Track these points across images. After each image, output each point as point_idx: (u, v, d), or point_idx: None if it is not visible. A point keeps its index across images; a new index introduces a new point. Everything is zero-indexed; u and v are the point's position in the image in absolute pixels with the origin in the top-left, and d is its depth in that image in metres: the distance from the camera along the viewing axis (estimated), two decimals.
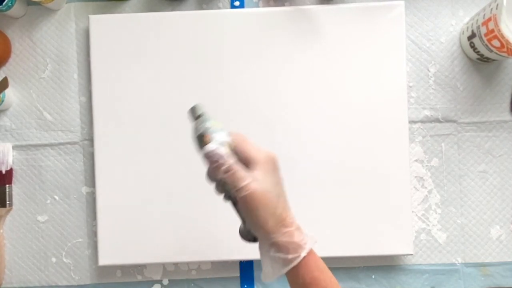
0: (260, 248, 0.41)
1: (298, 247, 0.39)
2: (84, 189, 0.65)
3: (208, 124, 0.41)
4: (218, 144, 0.39)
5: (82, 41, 0.66)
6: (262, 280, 0.41)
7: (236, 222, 0.43)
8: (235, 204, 0.41)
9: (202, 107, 0.43)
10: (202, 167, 0.61)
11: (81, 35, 0.66)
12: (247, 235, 0.43)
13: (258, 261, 0.64)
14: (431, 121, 0.65)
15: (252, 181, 0.38)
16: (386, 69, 0.62)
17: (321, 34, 0.62)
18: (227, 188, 0.40)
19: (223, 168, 0.39)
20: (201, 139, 0.40)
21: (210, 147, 0.39)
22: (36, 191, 0.65)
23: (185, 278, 0.64)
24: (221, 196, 0.42)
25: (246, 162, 0.40)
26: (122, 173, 0.62)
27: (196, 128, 0.41)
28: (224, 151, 0.39)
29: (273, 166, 0.41)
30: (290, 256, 0.39)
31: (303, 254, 0.39)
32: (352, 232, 0.61)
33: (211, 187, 0.42)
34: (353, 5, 0.63)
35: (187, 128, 0.63)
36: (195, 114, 0.42)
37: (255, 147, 0.41)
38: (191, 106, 0.43)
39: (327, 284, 0.40)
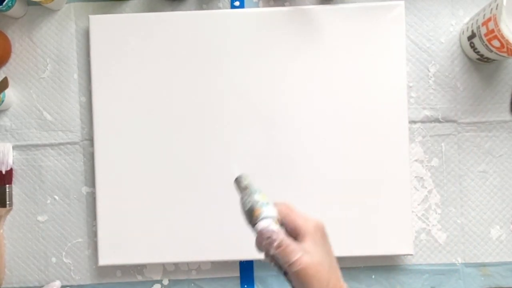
0: None
1: None
2: (84, 189, 0.65)
3: (256, 197, 0.41)
4: (269, 220, 0.39)
5: (82, 41, 0.66)
6: None
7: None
8: (286, 274, 0.40)
9: (246, 177, 0.43)
10: (202, 167, 0.61)
11: (81, 35, 0.66)
12: None
13: (258, 261, 0.64)
14: (431, 121, 0.65)
15: (304, 255, 0.38)
16: (386, 69, 0.62)
17: (321, 34, 0.62)
18: (278, 261, 0.40)
19: (275, 244, 0.38)
20: (251, 214, 0.40)
21: (262, 224, 0.39)
22: (36, 191, 0.65)
23: (185, 278, 0.64)
24: (272, 265, 0.41)
25: (294, 233, 0.39)
26: (122, 173, 0.62)
27: (244, 202, 0.41)
28: (275, 227, 0.39)
29: (322, 234, 0.40)
30: None
31: None
32: (352, 232, 0.61)
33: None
34: (353, 5, 0.63)
35: (186, 128, 0.63)
36: (241, 185, 0.42)
37: (302, 217, 0.40)
38: (236, 176, 0.43)
39: None
